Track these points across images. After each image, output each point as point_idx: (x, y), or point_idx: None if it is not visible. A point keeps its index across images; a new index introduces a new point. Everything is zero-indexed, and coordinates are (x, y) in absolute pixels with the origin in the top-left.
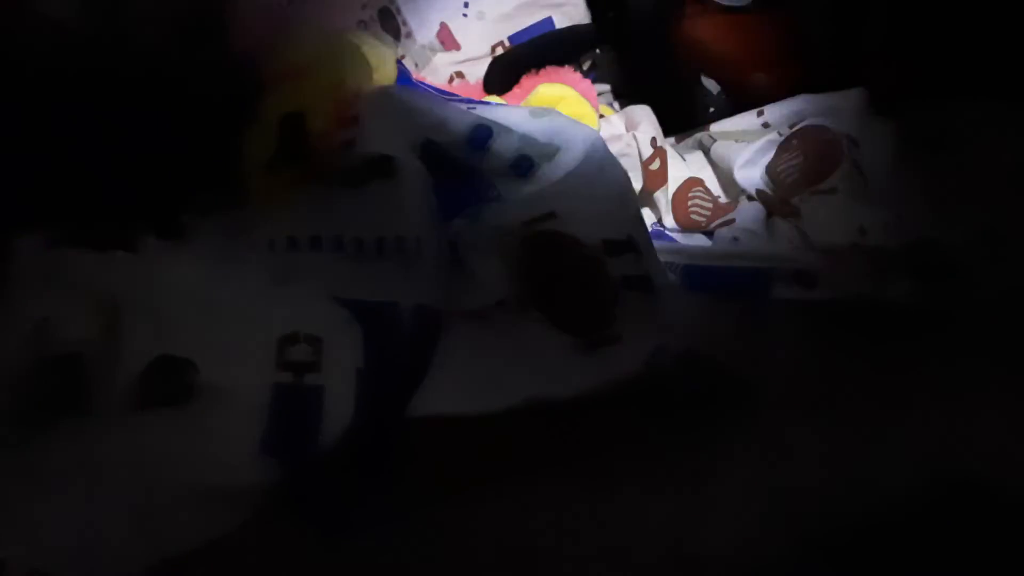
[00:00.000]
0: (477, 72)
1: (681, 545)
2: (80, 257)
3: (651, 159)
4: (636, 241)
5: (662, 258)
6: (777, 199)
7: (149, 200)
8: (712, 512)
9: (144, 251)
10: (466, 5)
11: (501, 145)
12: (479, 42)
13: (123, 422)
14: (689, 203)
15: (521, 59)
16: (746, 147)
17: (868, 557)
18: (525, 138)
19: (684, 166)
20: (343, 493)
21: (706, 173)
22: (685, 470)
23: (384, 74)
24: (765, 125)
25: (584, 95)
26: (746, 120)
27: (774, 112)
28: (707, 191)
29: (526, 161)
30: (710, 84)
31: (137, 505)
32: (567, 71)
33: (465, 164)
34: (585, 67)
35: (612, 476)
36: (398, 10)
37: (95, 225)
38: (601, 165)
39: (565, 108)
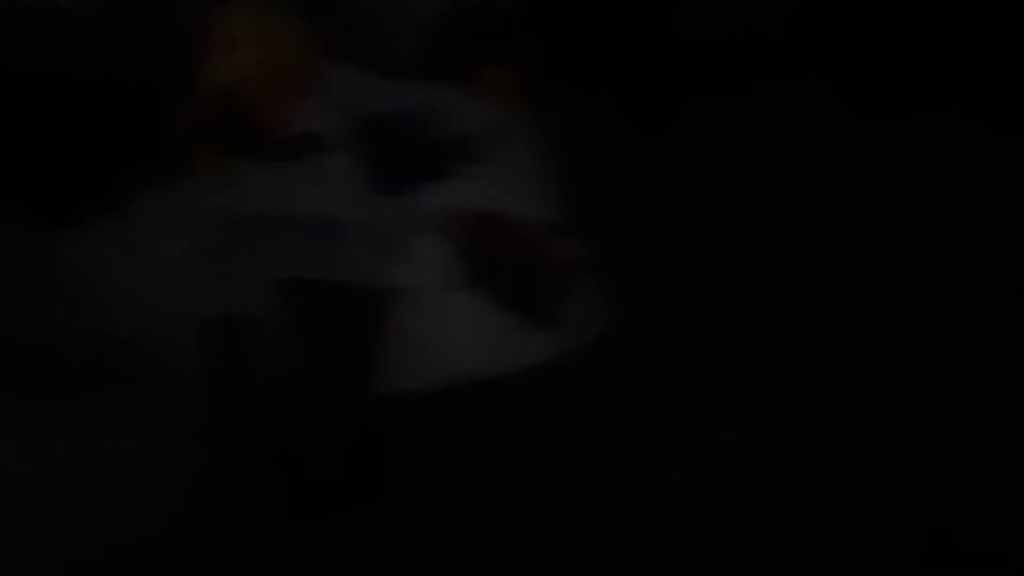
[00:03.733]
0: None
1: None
2: (15, 234)
3: (608, 146)
4: (582, 223)
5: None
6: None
7: (86, 175)
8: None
9: (80, 227)
10: None
11: (445, 125)
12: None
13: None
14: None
15: (461, 40)
16: None
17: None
18: (469, 119)
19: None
20: (287, 481)
21: None
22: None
23: (319, 49)
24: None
25: (527, 78)
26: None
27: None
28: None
29: (470, 141)
30: None
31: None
32: (508, 53)
33: (408, 142)
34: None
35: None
36: None
37: (33, 202)
38: (546, 149)
39: (507, 90)
